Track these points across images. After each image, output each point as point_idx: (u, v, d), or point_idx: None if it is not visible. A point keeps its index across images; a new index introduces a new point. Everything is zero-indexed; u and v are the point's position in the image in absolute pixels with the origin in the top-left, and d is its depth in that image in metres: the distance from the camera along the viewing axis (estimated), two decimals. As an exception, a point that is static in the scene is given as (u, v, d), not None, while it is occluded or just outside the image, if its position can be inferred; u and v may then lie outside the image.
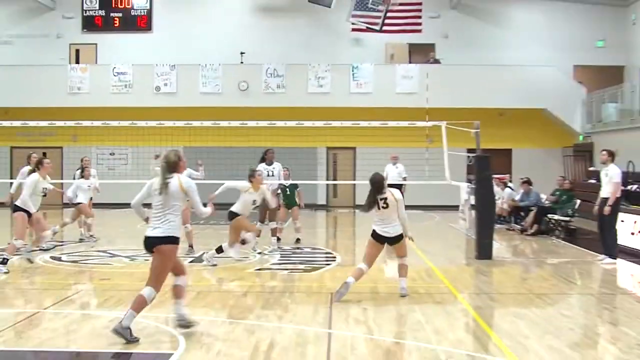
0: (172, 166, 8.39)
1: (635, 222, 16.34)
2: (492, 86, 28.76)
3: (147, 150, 20.24)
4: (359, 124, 18.41)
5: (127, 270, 13.43)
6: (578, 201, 20.33)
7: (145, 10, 31.60)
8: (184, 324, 8.60)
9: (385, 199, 10.85)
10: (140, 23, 31.59)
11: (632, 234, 16.38)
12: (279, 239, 16.69)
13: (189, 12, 31.38)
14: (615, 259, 15.04)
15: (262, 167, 16.35)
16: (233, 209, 13.90)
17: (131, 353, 7.72)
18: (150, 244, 8.20)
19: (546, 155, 30.55)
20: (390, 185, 11.35)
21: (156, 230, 8.20)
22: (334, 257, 15.58)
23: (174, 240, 8.20)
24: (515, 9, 31.54)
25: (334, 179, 30.69)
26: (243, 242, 13.88)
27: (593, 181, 24.49)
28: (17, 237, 13.07)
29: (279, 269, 13.67)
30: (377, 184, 10.91)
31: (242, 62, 30.17)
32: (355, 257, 16.54)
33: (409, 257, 11.36)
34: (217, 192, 13.06)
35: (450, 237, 19.78)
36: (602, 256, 15.19)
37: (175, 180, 8.37)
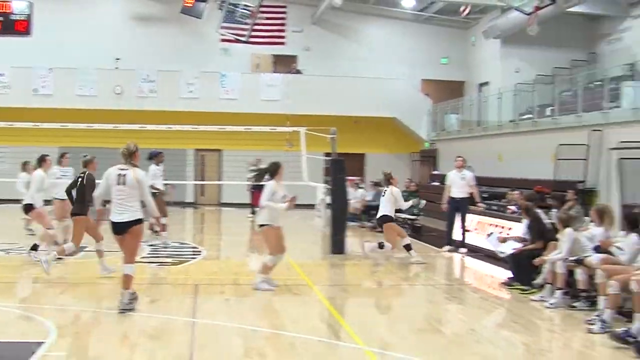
0: (129, 157, 9.00)
1: (471, 220, 16.96)
2: (348, 95, 29.12)
3: (25, 150, 19.51)
4: (224, 128, 18.32)
5: (2, 263, 12.84)
6: (423, 201, 20.79)
7: (25, 15, 30.20)
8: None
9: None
10: (19, 27, 30.14)
11: (469, 231, 16.90)
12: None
13: (67, 18, 30.34)
14: (460, 247, 16.08)
15: (153, 168, 15.88)
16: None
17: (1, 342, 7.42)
18: (121, 227, 8.82)
19: (396, 159, 31.11)
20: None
21: (123, 215, 8.79)
22: (200, 252, 15.44)
23: (140, 221, 8.91)
24: (371, 26, 32.13)
25: (202, 179, 30.42)
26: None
27: (436, 183, 25.37)
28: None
29: (147, 262, 13.34)
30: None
31: (117, 68, 29.48)
32: (220, 252, 16.47)
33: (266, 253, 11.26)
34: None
35: (307, 233, 19.59)
36: (446, 247, 16.17)
37: (130, 172, 8.94)
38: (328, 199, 16.58)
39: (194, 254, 14.98)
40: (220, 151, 30.27)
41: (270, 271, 11.01)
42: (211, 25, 27.82)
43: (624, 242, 9.43)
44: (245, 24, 26.59)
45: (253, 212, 21.61)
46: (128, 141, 9.25)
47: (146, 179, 9.20)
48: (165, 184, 16.80)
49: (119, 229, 8.87)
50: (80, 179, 11.47)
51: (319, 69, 30.64)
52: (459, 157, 16.50)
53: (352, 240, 17.35)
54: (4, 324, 7.88)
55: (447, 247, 16.28)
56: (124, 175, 8.93)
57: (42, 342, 7.36)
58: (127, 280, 8.95)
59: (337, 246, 15.31)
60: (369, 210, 21.88)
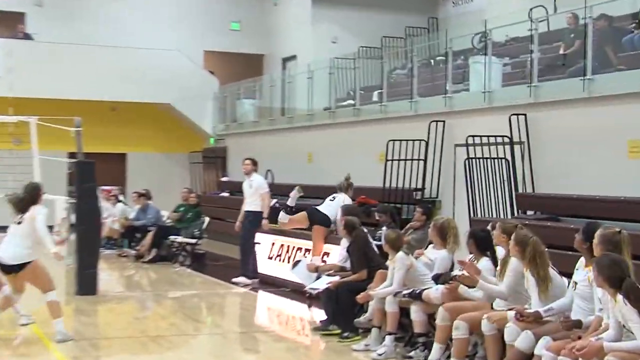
0: None
1: (273, 243, 17.26)
2: (102, 72, 28.35)
3: None
4: None
5: None
6: (207, 219, 20.81)
7: None
8: None
9: None
10: None
11: (271, 258, 17.25)
12: None
13: None
14: (251, 279, 16.52)
15: None
16: None
17: None
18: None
19: (170, 162, 31.17)
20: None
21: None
22: None
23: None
24: (133, -25, 31.73)
25: None
26: None
27: (226, 194, 25.66)
28: None
29: None
30: None
31: None
32: None
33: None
34: None
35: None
36: (241, 278, 16.53)
37: None
38: (72, 218, 16.27)
39: None
40: None
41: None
42: None
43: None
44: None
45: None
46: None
47: None
48: None
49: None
50: None
51: (57, 34, 29.82)
52: (247, 159, 17.26)
53: (109, 276, 17.13)
54: None
55: (241, 280, 16.64)
56: None
57: None
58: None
59: (86, 284, 15.07)
60: (133, 232, 21.84)
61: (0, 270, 11.09)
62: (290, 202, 16.22)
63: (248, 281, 16.58)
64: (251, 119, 28.53)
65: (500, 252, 9.54)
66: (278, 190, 19.35)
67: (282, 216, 15.74)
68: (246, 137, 27.98)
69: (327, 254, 14.74)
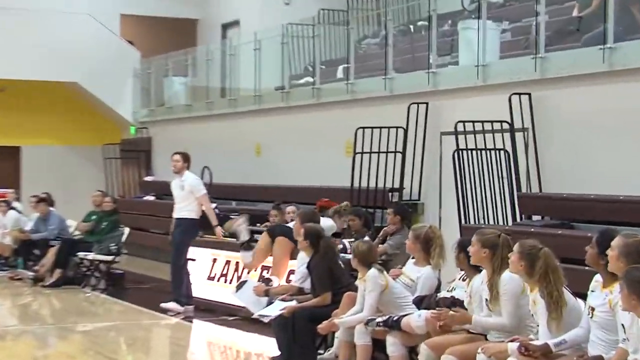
0: None
1: (215, 259, 17.19)
2: None
3: None
4: None
5: None
6: (127, 230, 20.58)
7: None
8: None
9: None
10: None
11: (212, 278, 17.19)
12: None
13: None
14: (185, 305, 16.31)
15: None
16: None
17: None
18: None
19: (77, 157, 31.09)
20: None
21: None
22: None
23: None
24: None
25: None
26: None
27: (151, 198, 25.74)
28: None
29: None
30: None
31: None
32: None
33: None
34: None
35: None
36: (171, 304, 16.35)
37: None
38: None
39: None
40: None
41: None
42: None
43: (462, 289, 9.90)
44: None
45: None
46: None
47: None
48: None
49: None
50: None
51: None
52: (177, 153, 16.97)
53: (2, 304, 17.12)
54: None
55: (172, 307, 16.49)
56: None
57: None
58: None
59: None
60: (31, 247, 21.56)
61: None
62: (244, 235, 15.81)
63: (180, 308, 16.41)
64: (182, 102, 28.49)
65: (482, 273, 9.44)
66: (218, 193, 19.33)
67: (244, 256, 15.34)
68: (176, 125, 28.03)
69: (292, 272, 14.59)
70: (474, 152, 15.46)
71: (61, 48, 28.89)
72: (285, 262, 14.44)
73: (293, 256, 13.78)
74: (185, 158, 16.89)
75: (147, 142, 29.78)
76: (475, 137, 15.53)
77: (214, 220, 16.64)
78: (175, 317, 16.23)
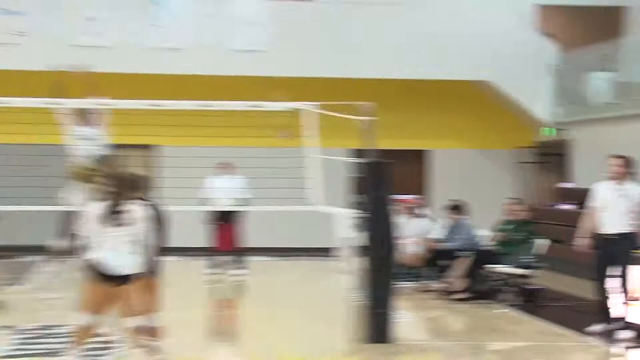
0: None
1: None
2: (397, 42, 28.59)
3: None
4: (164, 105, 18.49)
5: None
6: (544, 241, 20.37)
7: None
8: None
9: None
10: None
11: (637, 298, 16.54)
12: None
13: None
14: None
15: None
16: None
17: None
18: None
19: (487, 161, 31.08)
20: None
21: None
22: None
23: None
24: None
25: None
26: None
27: (569, 207, 24.94)
28: None
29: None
30: None
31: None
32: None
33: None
34: None
35: (319, 304, 19.69)
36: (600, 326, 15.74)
37: None
38: (358, 238, 16.03)
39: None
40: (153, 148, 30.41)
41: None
42: None
43: None
44: None
45: (218, 264, 23.77)
46: None
47: None
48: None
49: None
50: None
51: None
52: (616, 156, 16.05)
53: (406, 318, 17.11)
54: None
55: (599, 328, 15.83)
56: None
57: None
58: None
59: (378, 328, 15.16)
60: (438, 257, 21.39)
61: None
62: None
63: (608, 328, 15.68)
64: (606, 100, 27.37)
65: None
66: None
67: None
68: (600, 126, 27.03)
69: None
70: None
71: (471, 43, 29.03)
72: None
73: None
74: (627, 162, 16.00)
75: (562, 144, 29.19)
76: None
77: None
78: (602, 343, 15.49)
